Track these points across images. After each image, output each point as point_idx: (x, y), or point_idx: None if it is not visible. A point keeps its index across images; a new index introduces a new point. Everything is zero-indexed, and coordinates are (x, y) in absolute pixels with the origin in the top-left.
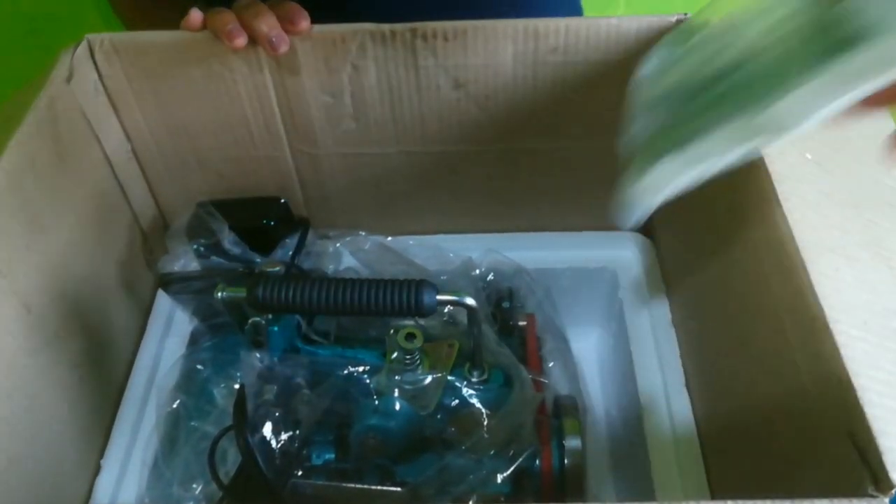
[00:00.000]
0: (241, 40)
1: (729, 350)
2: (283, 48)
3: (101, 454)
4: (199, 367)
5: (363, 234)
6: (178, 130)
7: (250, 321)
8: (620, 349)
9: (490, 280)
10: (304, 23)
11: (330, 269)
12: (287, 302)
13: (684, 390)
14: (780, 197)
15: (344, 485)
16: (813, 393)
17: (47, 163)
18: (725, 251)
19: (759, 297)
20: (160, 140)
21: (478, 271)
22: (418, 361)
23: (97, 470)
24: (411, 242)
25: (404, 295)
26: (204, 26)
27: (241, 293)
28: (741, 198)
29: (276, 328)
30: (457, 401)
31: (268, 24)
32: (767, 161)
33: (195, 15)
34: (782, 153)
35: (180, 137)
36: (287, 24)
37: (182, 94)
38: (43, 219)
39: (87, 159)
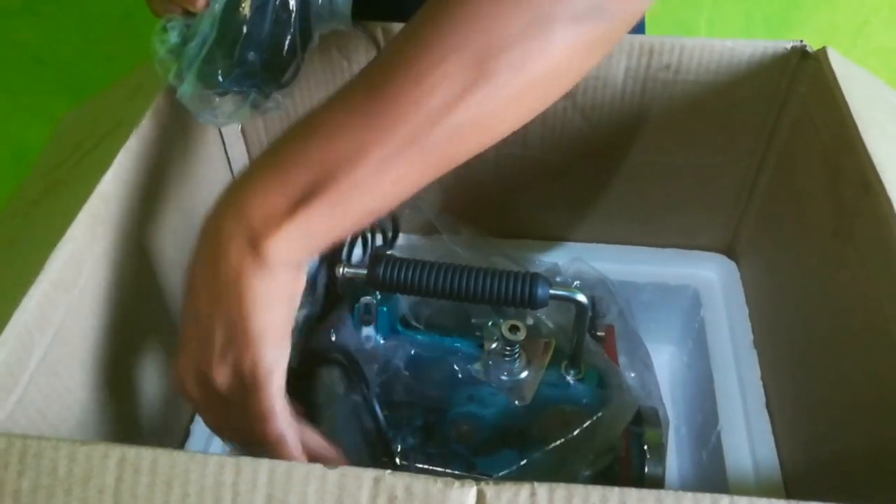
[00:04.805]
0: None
1: (824, 373)
2: None
3: (192, 419)
4: None
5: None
6: (289, 117)
7: (361, 300)
8: (697, 368)
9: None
10: None
11: None
12: (405, 282)
13: (765, 411)
14: None
15: (437, 468)
16: None
17: (175, 133)
18: (826, 272)
19: (866, 318)
20: (271, 126)
21: (560, 278)
22: (517, 354)
23: (187, 434)
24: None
25: (518, 286)
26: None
27: (362, 272)
28: (853, 220)
29: (385, 308)
30: (555, 396)
31: None
32: (885, 180)
33: None
34: None
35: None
36: None
37: (300, 82)
38: (169, 190)
39: (204, 137)
